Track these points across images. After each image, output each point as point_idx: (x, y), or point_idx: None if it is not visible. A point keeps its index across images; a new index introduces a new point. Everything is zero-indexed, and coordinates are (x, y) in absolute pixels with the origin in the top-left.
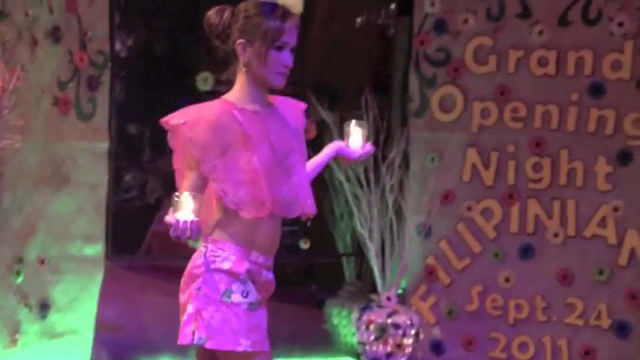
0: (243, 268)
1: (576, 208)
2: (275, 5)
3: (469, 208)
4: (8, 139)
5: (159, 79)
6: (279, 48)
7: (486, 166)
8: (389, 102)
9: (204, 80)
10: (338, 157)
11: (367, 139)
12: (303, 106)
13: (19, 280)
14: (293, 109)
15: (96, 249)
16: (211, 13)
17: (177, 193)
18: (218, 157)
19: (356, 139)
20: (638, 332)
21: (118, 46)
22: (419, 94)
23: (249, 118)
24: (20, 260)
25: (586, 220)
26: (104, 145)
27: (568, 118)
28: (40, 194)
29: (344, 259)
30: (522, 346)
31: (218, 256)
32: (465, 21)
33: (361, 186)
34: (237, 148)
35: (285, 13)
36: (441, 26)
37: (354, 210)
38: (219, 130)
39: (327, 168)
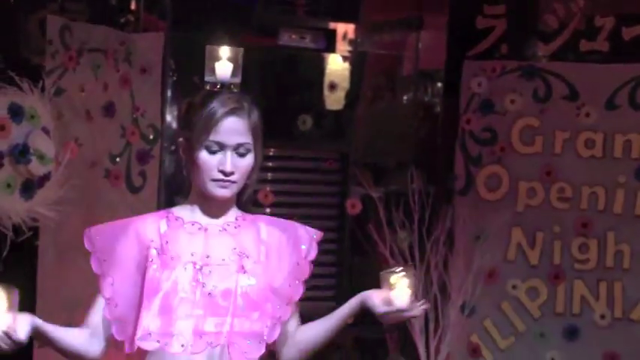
0: None
1: (623, 291)
2: (207, 95)
3: (514, 287)
4: (60, 210)
5: None
6: (211, 149)
7: (532, 246)
8: (434, 179)
9: None
10: (372, 312)
11: (415, 293)
12: (313, 234)
13: None
14: (291, 233)
15: None
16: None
17: None
18: (120, 273)
19: (401, 290)
20: None
21: (168, 121)
22: (464, 172)
23: (176, 230)
24: None
25: (633, 302)
26: None
27: (615, 200)
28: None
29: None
30: None
31: None
32: (512, 101)
33: (406, 261)
34: (144, 266)
35: (219, 105)
36: (487, 106)
37: None
38: (127, 242)
39: (370, 241)
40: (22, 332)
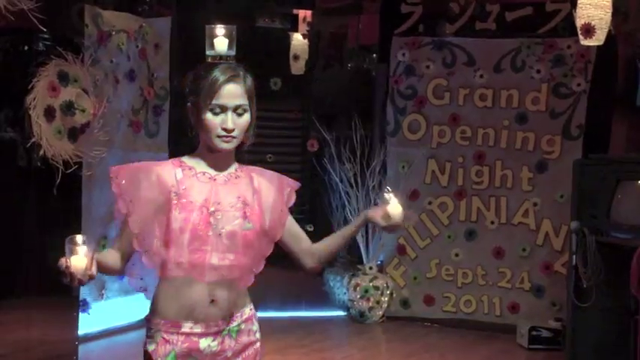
0: (166, 350)
1: (507, 203)
2: (209, 66)
3: (429, 203)
4: (97, 150)
5: None
6: (214, 111)
7: (442, 172)
8: (372, 125)
9: None
10: (376, 226)
11: (404, 207)
12: (292, 184)
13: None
14: (276, 184)
15: None
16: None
17: (70, 237)
18: (145, 212)
19: (394, 206)
20: (550, 293)
21: (175, 83)
22: (393, 120)
23: (190, 178)
24: (105, 237)
25: (514, 211)
26: (165, 155)
27: (501, 138)
28: None
29: None
30: (467, 303)
31: (149, 336)
32: (427, 67)
33: (351, 186)
34: (166, 206)
35: (220, 74)
36: (409, 70)
37: (346, 203)
38: (150, 185)
39: (325, 172)
40: (95, 270)
